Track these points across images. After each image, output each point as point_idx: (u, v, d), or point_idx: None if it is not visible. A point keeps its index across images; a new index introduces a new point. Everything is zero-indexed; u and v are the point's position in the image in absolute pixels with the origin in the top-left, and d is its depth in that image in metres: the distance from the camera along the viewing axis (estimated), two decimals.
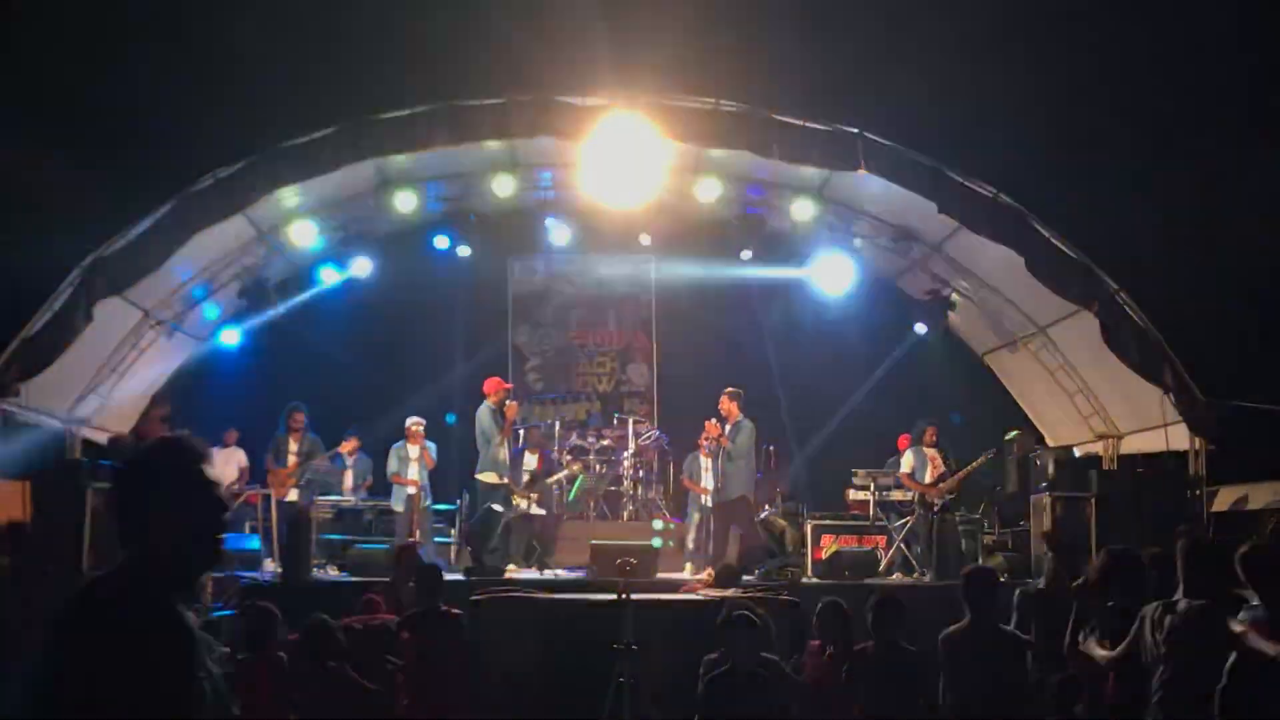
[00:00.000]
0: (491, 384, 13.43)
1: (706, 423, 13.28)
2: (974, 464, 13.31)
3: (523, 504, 13.19)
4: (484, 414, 13.13)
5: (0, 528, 12.54)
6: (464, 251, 15.25)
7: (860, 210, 14.99)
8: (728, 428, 12.89)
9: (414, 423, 13.76)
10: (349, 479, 14.43)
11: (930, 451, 13.54)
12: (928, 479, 13.34)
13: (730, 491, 12.76)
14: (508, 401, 13.37)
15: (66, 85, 14.73)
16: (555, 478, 13.97)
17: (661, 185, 13.90)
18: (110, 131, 14.84)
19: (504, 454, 13.06)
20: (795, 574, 12.67)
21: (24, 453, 13.03)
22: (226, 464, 14.03)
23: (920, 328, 15.39)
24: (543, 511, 13.63)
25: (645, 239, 15.80)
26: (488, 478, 12.99)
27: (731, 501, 12.76)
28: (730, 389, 13.14)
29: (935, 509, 13.15)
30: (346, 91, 13.99)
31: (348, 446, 14.10)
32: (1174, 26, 14.52)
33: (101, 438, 14.36)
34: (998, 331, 15.66)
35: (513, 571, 12.40)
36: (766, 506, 14.39)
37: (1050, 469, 13.86)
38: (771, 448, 14.66)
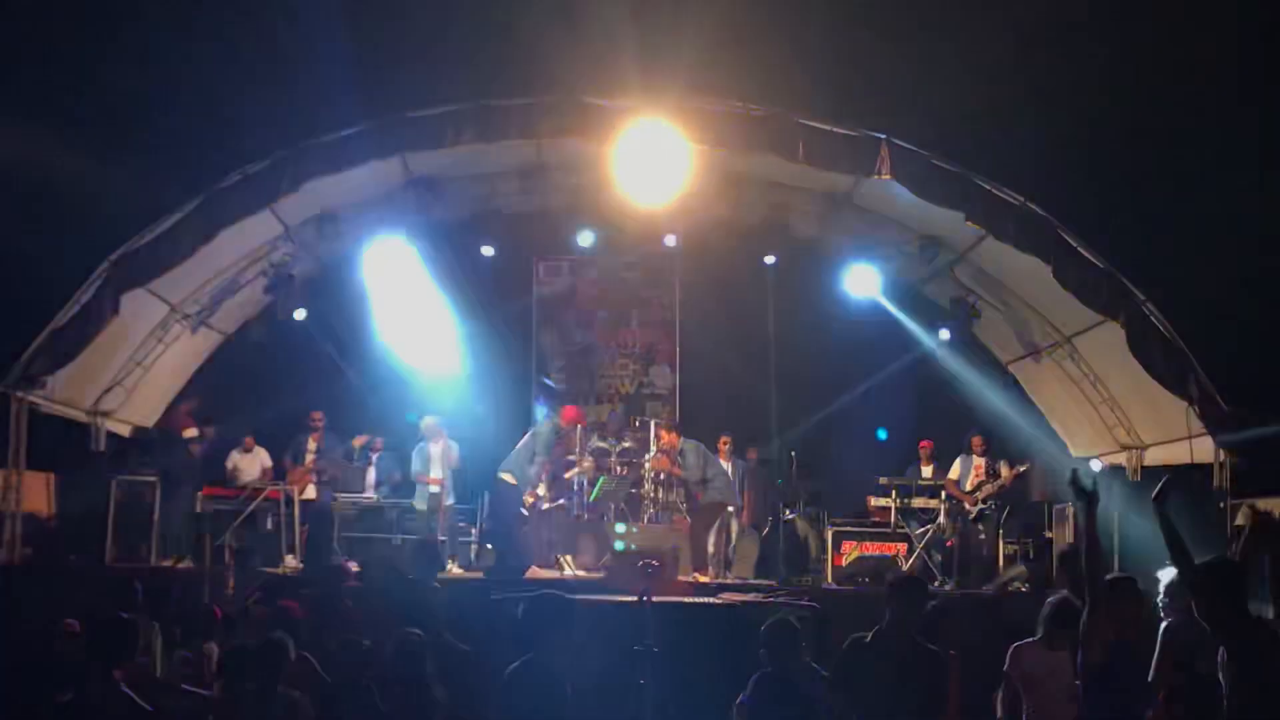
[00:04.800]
0: (571, 412, 13.84)
1: (663, 457, 13.72)
2: (1006, 478, 13.35)
3: (530, 499, 13.18)
4: (547, 432, 13.47)
5: (25, 518, 12.66)
6: (490, 251, 15.28)
7: (887, 216, 14.94)
8: (679, 459, 13.29)
9: (430, 421, 13.79)
10: (371, 476, 14.48)
11: (978, 460, 13.63)
12: (968, 486, 13.46)
13: (709, 498, 13.15)
14: (575, 432, 13.78)
15: (98, 81, 14.83)
16: (570, 474, 13.97)
17: (687, 188, 13.86)
18: (140, 127, 14.94)
19: (534, 471, 13.11)
20: (816, 579, 12.68)
21: (49, 444, 13.14)
22: (251, 465, 14.10)
23: (944, 334, 15.33)
24: (560, 503, 13.64)
25: (670, 240, 15.76)
26: (507, 477, 13.04)
27: (707, 506, 13.20)
28: (661, 423, 13.95)
29: (970, 517, 13.25)
30: (376, 90, 14.03)
31: (361, 441, 14.13)
32: (1206, 36, 14.46)
33: (126, 430, 14.45)
34: (1023, 341, 15.58)
35: (533, 573, 12.39)
36: (787, 510, 14.38)
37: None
38: (793, 453, 14.65)
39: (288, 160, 12.70)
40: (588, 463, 13.95)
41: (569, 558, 12.92)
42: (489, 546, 13.56)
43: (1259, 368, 13.52)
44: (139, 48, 15.03)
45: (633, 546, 12.22)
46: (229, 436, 14.18)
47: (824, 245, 15.81)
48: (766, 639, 6.56)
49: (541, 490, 13.12)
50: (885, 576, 9.95)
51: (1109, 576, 5.89)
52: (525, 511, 12.97)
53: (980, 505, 13.43)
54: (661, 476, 14.42)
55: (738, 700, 6.57)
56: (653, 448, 14.73)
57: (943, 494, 13.78)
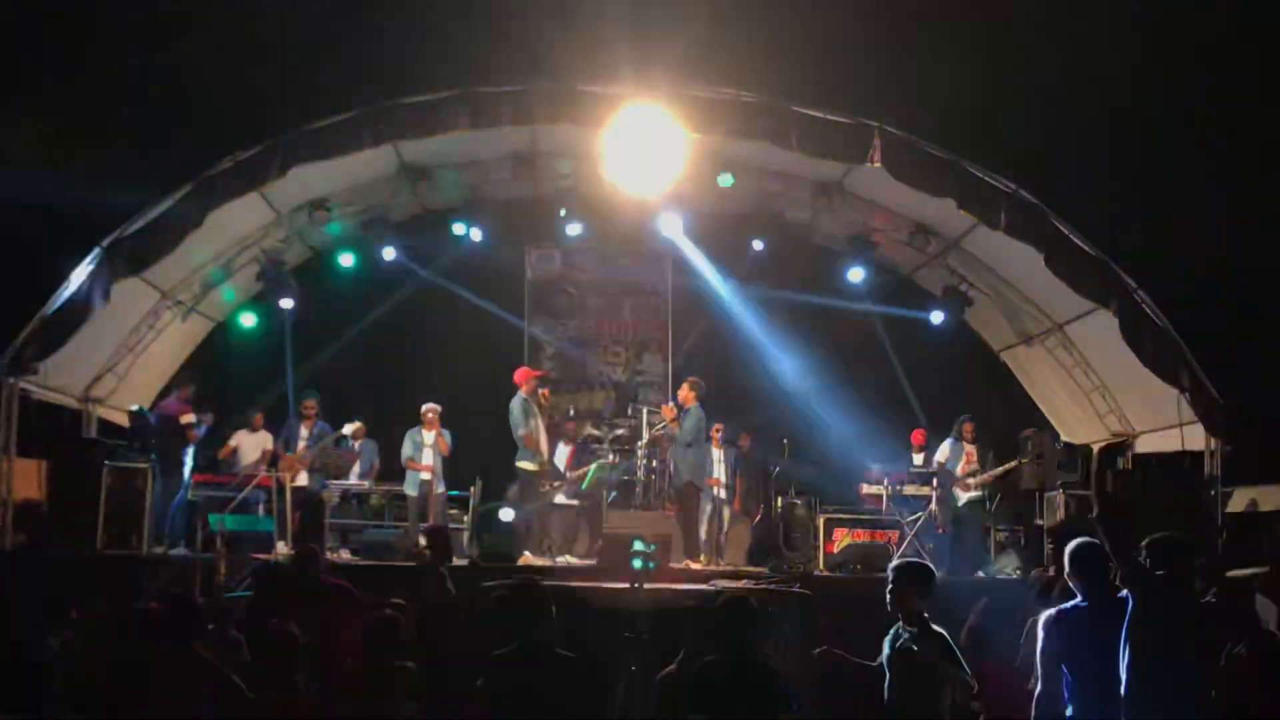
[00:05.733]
0: (521, 374, 13.41)
1: (663, 406, 13.92)
2: (1004, 467, 13.41)
3: (554, 495, 13.17)
4: (515, 405, 12.97)
5: (17, 505, 12.63)
6: (478, 237, 15.24)
7: (880, 203, 14.94)
8: (682, 415, 13.20)
9: (429, 409, 13.76)
10: (356, 464, 14.45)
11: (968, 447, 13.65)
12: (959, 472, 13.49)
13: (680, 477, 13.09)
14: (540, 390, 13.42)
15: (89, 68, 14.78)
16: (582, 471, 13.94)
17: (680, 175, 13.84)
18: (131, 113, 14.89)
19: (541, 440, 13.02)
20: (807, 567, 12.70)
21: (41, 431, 13.11)
22: (253, 447, 14.09)
23: (936, 315, 15.34)
24: (574, 503, 13.63)
25: (671, 220, 15.52)
26: (526, 465, 12.94)
27: (680, 489, 13.12)
28: (690, 379, 13.36)
29: (960, 503, 13.31)
30: (368, 76, 14.00)
31: (350, 429, 14.11)
32: (1198, 25, 14.46)
33: (118, 417, 14.42)
34: (1015, 328, 15.61)
35: (526, 560, 12.39)
36: (780, 499, 14.41)
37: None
38: (785, 441, 14.67)
39: (279, 146, 12.66)
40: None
41: (567, 555, 12.93)
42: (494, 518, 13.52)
43: (1251, 356, 13.55)
44: (130, 35, 14.97)
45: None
46: (223, 423, 14.15)
47: (817, 232, 15.82)
48: (723, 618, 6.05)
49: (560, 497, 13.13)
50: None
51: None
52: (544, 488, 12.98)
53: (972, 493, 13.47)
54: (654, 464, 14.43)
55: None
56: (645, 434, 14.73)
57: (934, 481, 13.80)
